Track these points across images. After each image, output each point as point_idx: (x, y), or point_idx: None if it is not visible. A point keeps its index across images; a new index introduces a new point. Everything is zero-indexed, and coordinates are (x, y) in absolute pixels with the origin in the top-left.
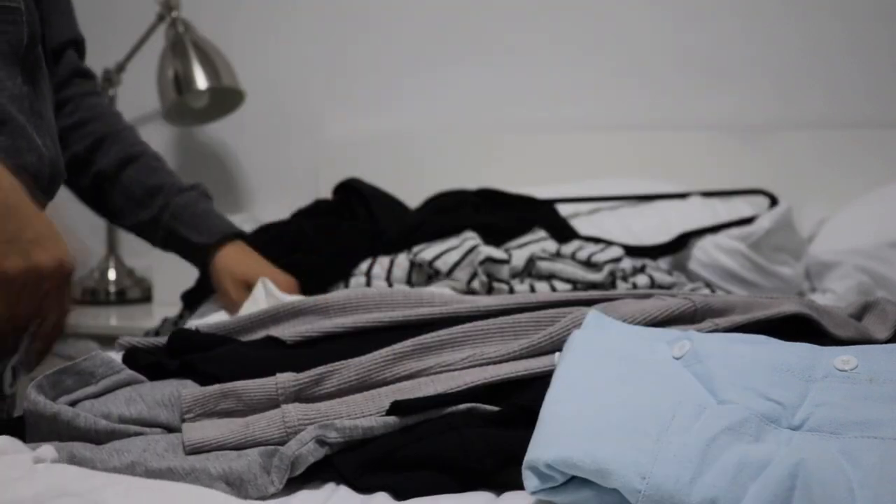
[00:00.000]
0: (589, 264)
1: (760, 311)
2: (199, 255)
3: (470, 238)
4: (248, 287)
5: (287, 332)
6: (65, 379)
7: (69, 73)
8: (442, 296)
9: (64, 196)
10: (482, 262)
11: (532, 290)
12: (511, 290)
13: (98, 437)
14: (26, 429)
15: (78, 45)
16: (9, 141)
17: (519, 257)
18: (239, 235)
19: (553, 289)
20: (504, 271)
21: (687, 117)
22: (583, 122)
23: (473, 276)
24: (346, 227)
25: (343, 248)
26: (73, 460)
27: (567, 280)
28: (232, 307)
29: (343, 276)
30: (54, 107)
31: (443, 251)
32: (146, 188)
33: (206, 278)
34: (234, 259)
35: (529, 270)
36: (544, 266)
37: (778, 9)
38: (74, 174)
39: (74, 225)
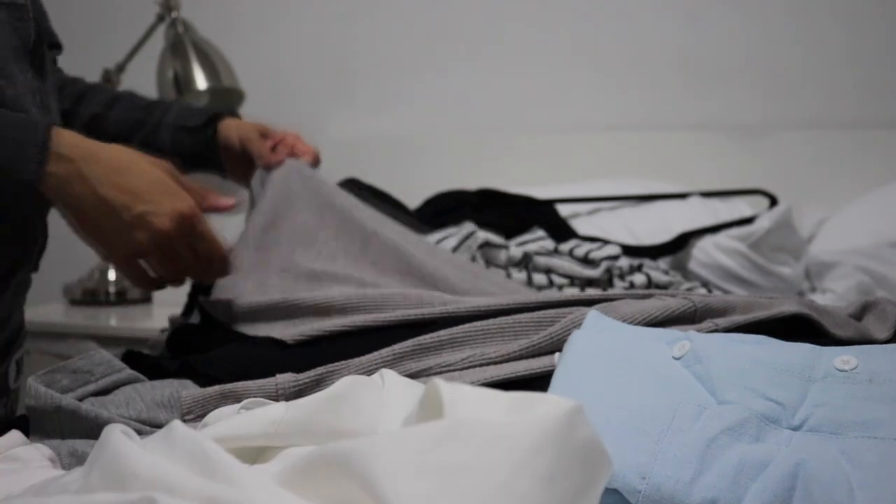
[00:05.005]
0: (586, 261)
1: (761, 312)
2: (208, 128)
3: (468, 226)
4: (263, 135)
5: (287, 331)
6: (60, 378)
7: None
8: (441, 297)
9: None
10: (480, 247)
11: (529, 279)
12: (508, 276)
13: (100, 432)
14: (30, 424)
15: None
16: None
17: (517, 252)
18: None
19: (550, 281)
20: (501, 256)
21: (686, 118)
22: (583, 122)
23: (472, 261)
24: None
25: None
26: (75, 455)
27: (564, 275)
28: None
29: None
30: None
31: (441, 238)
32: (140, 109)
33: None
34: (237, 123)
35: (526, 264)
36: (542, 261)
37: (778, 10)
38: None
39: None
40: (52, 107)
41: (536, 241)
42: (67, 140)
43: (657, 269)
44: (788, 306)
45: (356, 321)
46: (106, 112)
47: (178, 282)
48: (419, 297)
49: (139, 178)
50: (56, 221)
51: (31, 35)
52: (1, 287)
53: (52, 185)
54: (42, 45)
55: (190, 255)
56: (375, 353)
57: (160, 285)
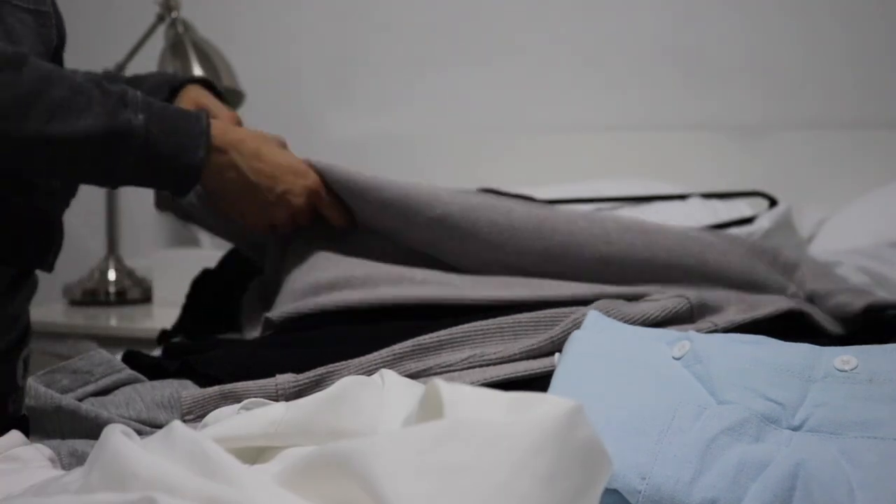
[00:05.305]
0: None
1: (759, 310)
2: (170, 101)
3: None
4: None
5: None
6: (60, 378)
7: None
8: (424, 274)
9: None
10: None
11: None
12: None
13: (100, 432)
14: (30, 424)
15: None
16: None
17: None
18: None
19: None
20: None
21: (686, 118)
22: (583, 122)
23: None
24: None
25: None
26: (75, 455)
27: None
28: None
29: None
30: None
31: None
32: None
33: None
34: (192, 93)
35: None
36: None
37: (778, 10)
38: None
39: (75, 226)
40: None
41: None
42: (218, 130)
43: None
44: (783, 303)
45: (346, 299)
46: None
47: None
48: (400, 273)
49: (273, 162)
50: (67, 224)
51: (54, 41)
52: (16, 286)
53: (208, 171)
54: (62, 51)
55: (310, 224)
56: (375, 354)
57: None
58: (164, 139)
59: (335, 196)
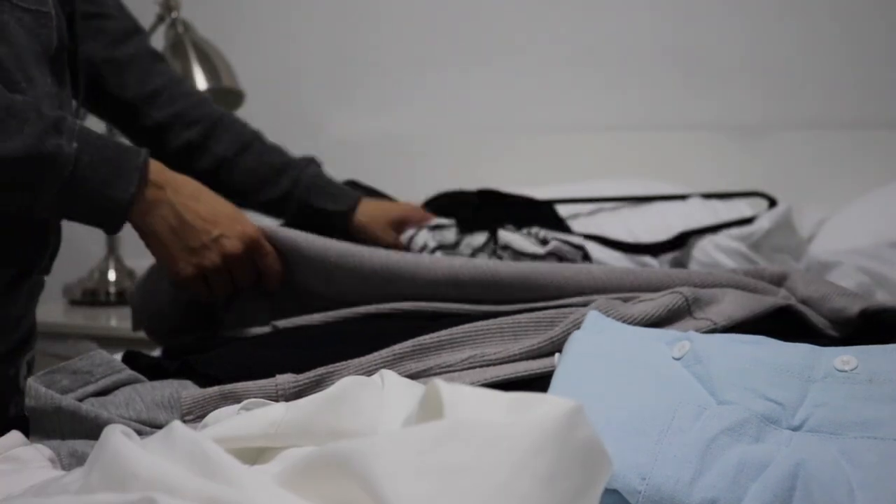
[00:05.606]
0: (542, 242)
1: (758, 304)
2: (338, 220)
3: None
4: (392, 225)
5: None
6: (60, 379)
7: (149, 59)
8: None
9: None
10: (431, 229)
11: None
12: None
13: (100, 433)
14: (30, 424)
15: (141, 32)
16: None
17: (481, 237)
18: (359, 196)
19: (499, 257)
20: (450, 235)
21: (686, 118)
22: (583, 122)
23: (425, 245)
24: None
25: None
26: (75, 455)
27: (516, 251)
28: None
29: None
30: (146, 99)
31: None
32: (272, 168)
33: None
34: (370, 210)
35: (494, 249)
36: (505, 235)
37: (777, 9)
38: (190, 159)
39: (75, 227)
40: (68, 114)
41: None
42: (156, 167)
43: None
44: (780, 299)
45: (348, 314)
46: (232, 160)
47: (224, 295)
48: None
49: (212, 205)
50: (66, 224)
51: (54, 42)
52: (17, 286)
53: (140, 207)
54: (63, 52)
55: (246, 275)
56: (375, 354)
57: (213, 299)
58: (93, 170)
59: (276, 249)
